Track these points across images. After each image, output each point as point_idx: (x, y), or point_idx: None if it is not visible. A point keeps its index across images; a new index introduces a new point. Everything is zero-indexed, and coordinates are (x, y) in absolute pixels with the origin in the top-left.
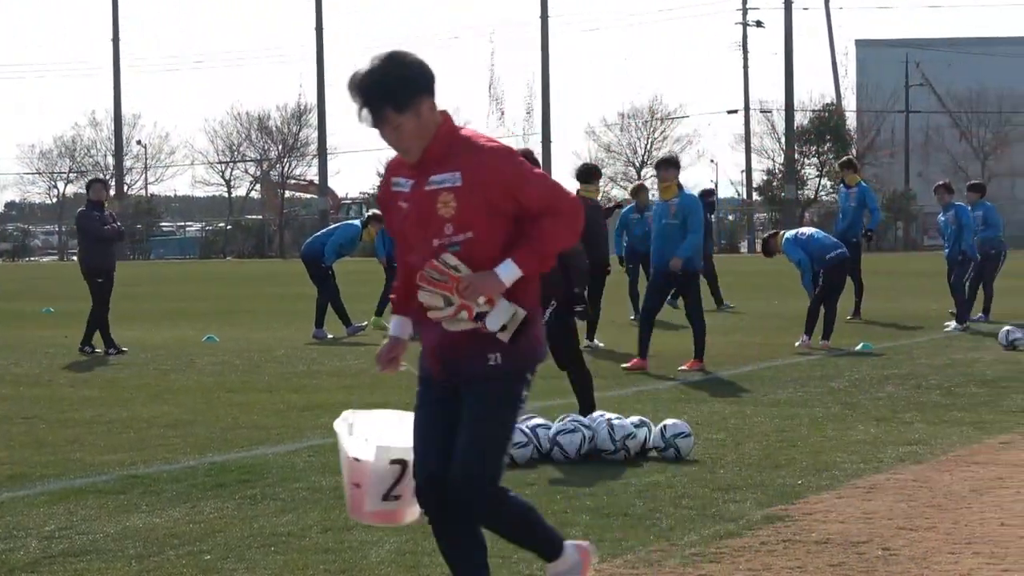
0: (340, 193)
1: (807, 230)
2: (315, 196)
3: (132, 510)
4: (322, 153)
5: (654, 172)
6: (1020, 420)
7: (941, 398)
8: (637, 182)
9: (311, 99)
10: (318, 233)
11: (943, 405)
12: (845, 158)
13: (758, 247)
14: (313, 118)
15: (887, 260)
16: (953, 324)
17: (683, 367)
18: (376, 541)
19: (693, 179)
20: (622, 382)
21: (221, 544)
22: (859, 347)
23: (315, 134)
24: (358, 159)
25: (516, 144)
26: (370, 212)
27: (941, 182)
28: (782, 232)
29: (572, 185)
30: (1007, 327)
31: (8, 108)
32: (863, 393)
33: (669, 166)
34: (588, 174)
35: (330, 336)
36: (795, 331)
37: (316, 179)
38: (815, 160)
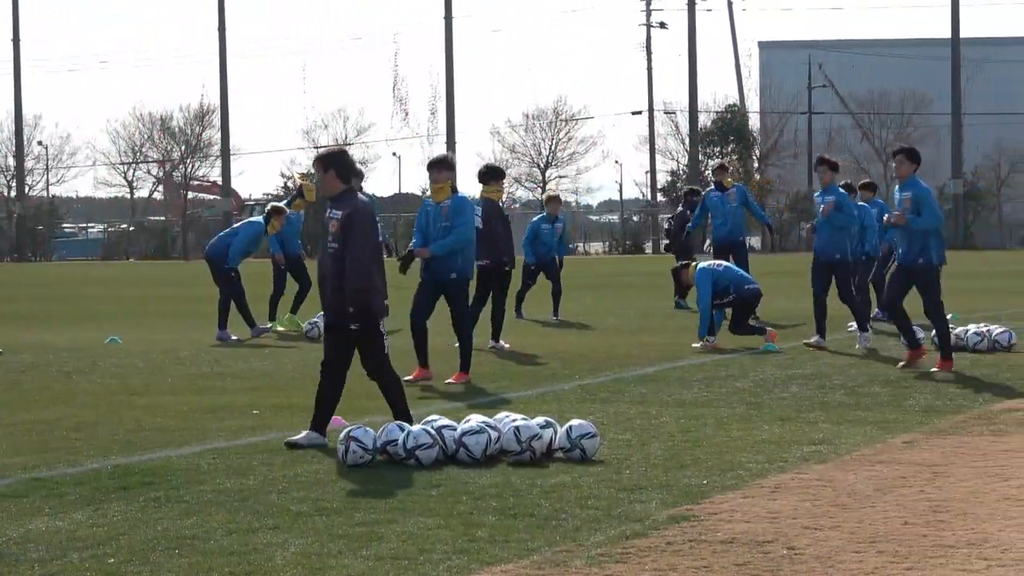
0: (243, 194)
1: (723, 263)
2: (218, 197)
3: (35, 514)
4: (225, 154)
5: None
6: (923, 419)
7: (845, 398)
8: (552, 192)
9: (214, 100)
10: (221, 233)
11: (847, 405)
12: (718, 162)
13: (663, 247)
14: (216, 119)
15: (790, 260)
16: (854, 325)
17: (408, 378)
18: (281, 543)
19: (598, 180)
20: (528, 384)
21: (125, 547)
22: (763, 347)
23: (218, 135)
24: (261, 160)
25: (421, 145)
26: (270, 206)
27: (844, 181)
28: (693, 264)
29: (476, 186)
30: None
31: None
32: (768, 393)
33: (442, 167)
34: (490, 175)
35: (234, 338)
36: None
37: (219, 180)
38: (718, 161)
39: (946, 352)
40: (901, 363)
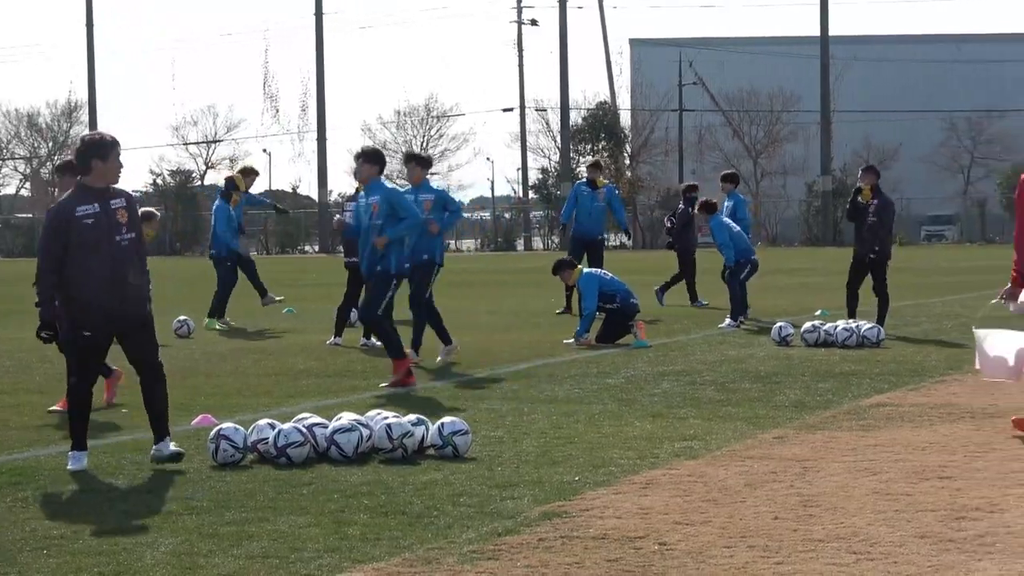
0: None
1: (608, 273)
2: None
3: None
4: None
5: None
6: (792, 415)
7: (715, 394)
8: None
9: (82, 96)
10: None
11: (717, 401)
12: (594, 159)
13: (535, 245)
14: (84, 115)
15: (662, 257)
16: (727, 321)
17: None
18: (151, 543)
19: (469, 177)
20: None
21: None
22: (634, 344)
23: (87, 131)
24: (130, 156)
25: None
26: (224, 180)
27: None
28: (581, 267)
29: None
30: (780, 323)
31: None
32: (639, 390)
33: (369, 160)
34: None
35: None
36: (572, 329)
37: None
38: (590, 158)
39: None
40: None
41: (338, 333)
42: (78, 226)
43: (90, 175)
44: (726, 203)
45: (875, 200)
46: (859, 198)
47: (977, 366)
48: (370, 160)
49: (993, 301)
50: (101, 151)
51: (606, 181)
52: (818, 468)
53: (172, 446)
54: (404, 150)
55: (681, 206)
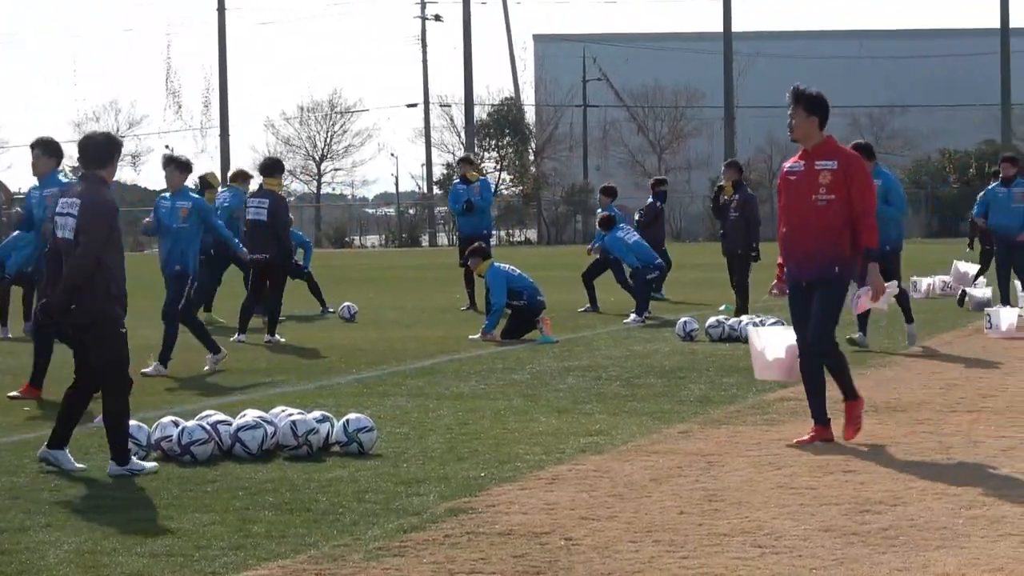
0: (13, 188)
1: (516, 269)
2: None
3: None
4: None
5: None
6: (697, 410)
7: (621, 389)
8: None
9: None
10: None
11: (623, 396)
12: (465, 155)
13: (439, 241)
14: None
15: (567, 253)
16: (632, 316)
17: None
18: (54, 541)
19: (373, 173)
20: (304, 378)
21: None
22: (540, 339)
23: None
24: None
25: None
26: (199, 179)
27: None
28: (491, 260)
29: (256, 179)
30: (684, 318)
31: None
32: (545, 385)
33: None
34: (272, 167)
35: (9, 335)
36: (477, 325)
37: None
38: (495, 154)
39: None
40: None
41: (242, 330)
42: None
43: (106, 170)
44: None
45: (736, 196)
46: (721, 195)
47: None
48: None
49: (765, 297)
50: (117, 150)
51: (477, 175)
52: (723, 463)
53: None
54: (307, 146)
55: (650, 200)
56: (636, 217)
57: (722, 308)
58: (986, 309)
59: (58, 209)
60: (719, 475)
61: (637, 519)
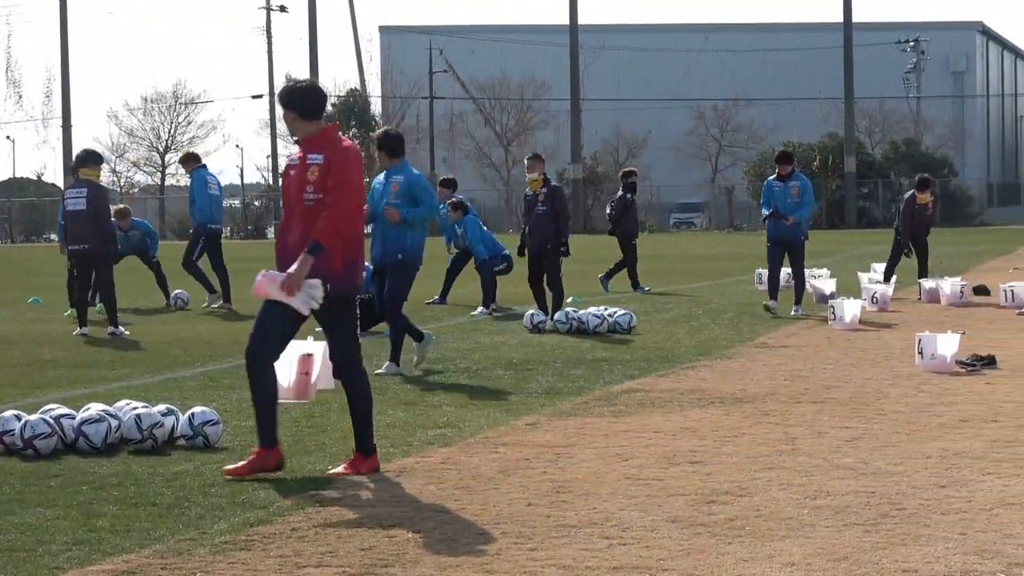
0: None
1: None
2: None
3: None
4: None
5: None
6: (544, 402)
7: (468, 381)
8: None
9: None
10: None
11: (470, 388)
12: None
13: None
14: None
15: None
16: (480, 309)
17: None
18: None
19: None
20: (149, 370)
21: None
22: (387, 332)
23: None
24: None
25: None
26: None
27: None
28: None
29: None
30: (531, 311)
31: None
32: (391, 378)
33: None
34: (87, 159)
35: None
36: None
37: None
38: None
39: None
40: None
41: (82, 323)
42: None
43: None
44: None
45: (544, 189)
46: (527, 190)
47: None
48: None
49: None
50: None
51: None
52: (570, 454)
53: None
54: (151, 138)
55: (620, 192)
56: (608, 210)
57: (570, 300)
58: (830, 301)
59: None
60: (567, 467)
61: (485, 511)
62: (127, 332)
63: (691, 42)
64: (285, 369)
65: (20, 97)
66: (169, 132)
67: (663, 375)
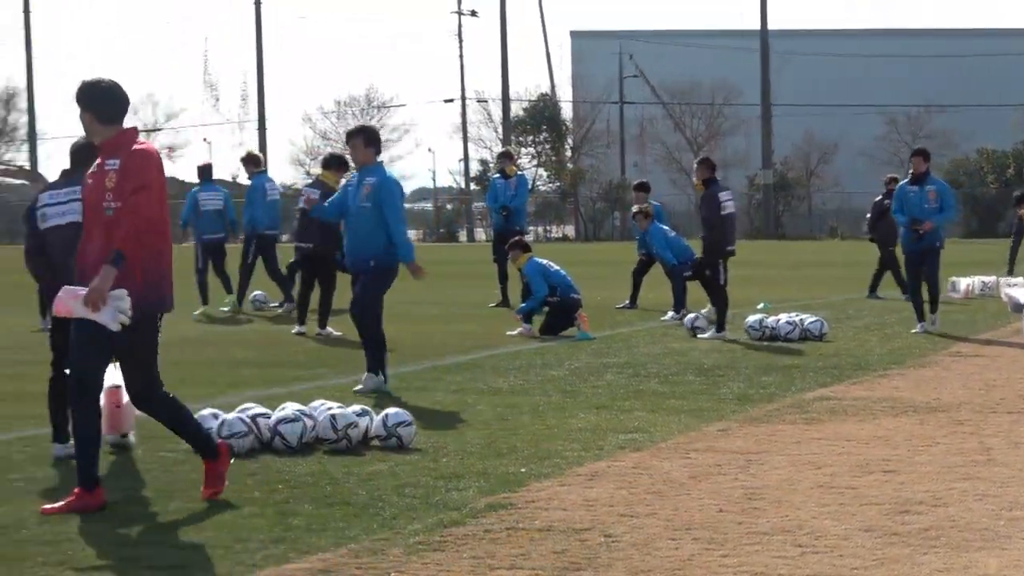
0: (50, 179)
1: (555, 265)
2: (25, 182)
3: None
4: (32, 138)
5: None
6: (735, 408)
7: (659, 386)
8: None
9: (20, 83)
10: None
11: (661, 393)
12: (504, 149)
13: (478, 236)
14: (22, 102)
15: (604, 249)
16: (670, 314)
17: None
18: (95, 533)
19: (411, 168)
20: (344, 371)
21: None
22: (578, 336)
23: (25, 118)
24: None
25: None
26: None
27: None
28: (532, 253)
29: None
30: (692, 314)
31: None
32: (583, 381)
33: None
34: (330, 161)
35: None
36: (512, 321)
37: (26, 164)
38: (531, 150)
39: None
40: None
41: (301, 320)
42: None
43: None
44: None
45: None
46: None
47: None
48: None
49: None
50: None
51: (516, 170)
52: (762, 461)
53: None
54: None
55: (879, 197)
56: (868, 215)
57: (760, 306)
58: None
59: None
60: (758, 473)
61: (676, 516)
62: (338, 333)
63: (884, 47)
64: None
65: (217, 100)
66: None
67: (855, 383)
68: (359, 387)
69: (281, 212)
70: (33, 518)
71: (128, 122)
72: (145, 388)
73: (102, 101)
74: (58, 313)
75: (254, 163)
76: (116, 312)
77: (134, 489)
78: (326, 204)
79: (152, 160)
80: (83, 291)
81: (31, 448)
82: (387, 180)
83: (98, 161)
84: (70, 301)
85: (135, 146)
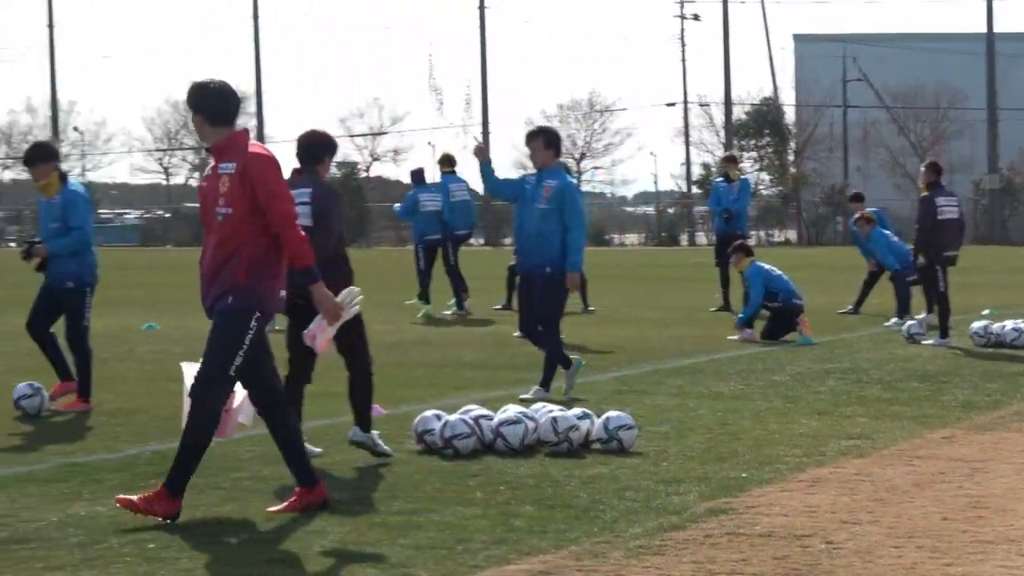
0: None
1: (778, 270)
2: None
3: (74, 498)
4: (260, 141)
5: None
6: (960, 415)
7: (882, 392)
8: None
9: (249, 87)
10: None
11: (884, 399)
12: (728, 153)
13: (699, 240)
14: (251, 106)
15: (826, 254)
16: (894, 319)
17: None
18: (319, 531)
19: (633, 171)
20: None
21: (164, 533)
22: (800, 340)
23: (253, 122)
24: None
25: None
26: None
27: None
28: (754, 257)
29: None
30: (909, 322)
31: None
32: (805, 387)
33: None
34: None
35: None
36: (733, 326)
37: None
38: (753, 154)
39: None
40: None
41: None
42: None
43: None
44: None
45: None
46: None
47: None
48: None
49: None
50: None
51: (739, 174)
52: (987, 469)
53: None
54: (567, 144)
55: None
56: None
57: (986, 312)
58: None
59: None
60: (983, 481)
61: (899, 524)
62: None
63: None
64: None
65: (441, 104)
66: (584, 139)
67: None
68: (525, 395)
69: (474, 212)
70: (259, 516)
71: (355, 126)
72: (204, 381)
73: (213, 102)
74: (321, 353)
75: (446, 163)
76: (350, 307)
77: (358, 489)
78: (501, 179)
79: (272, 165)
80: (320, 322)
81: (259, 447)
82: (569, 184)
83: (211, 164)
84: (322, 336)
85: (250, 150)
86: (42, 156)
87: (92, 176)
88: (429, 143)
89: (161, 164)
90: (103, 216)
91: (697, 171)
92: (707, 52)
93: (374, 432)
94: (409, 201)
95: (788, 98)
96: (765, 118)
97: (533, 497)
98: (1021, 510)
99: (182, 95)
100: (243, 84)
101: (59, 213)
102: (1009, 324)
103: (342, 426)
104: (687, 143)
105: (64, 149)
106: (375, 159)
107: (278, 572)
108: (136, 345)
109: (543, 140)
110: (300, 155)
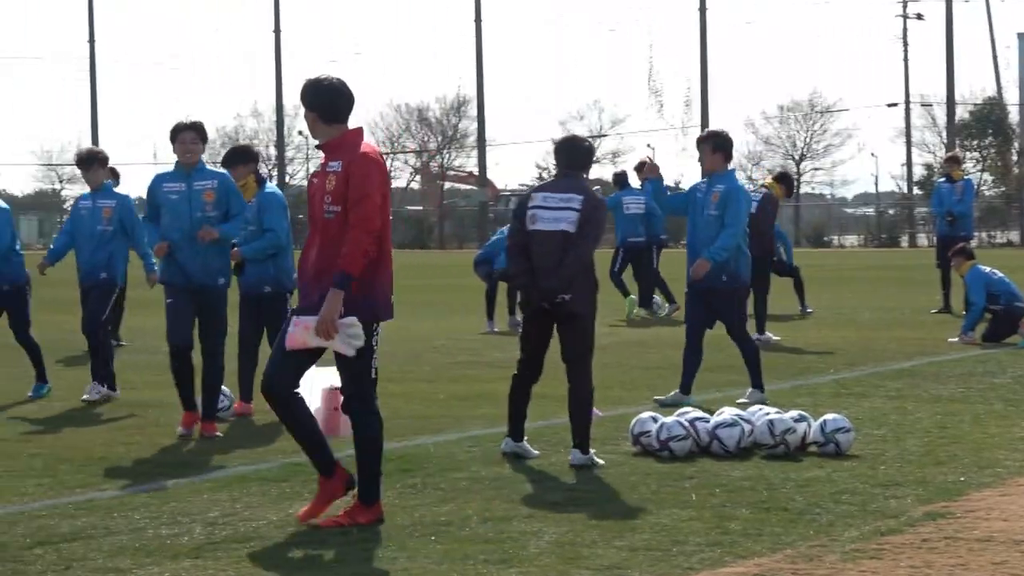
0: (499, 184)
1: (999, 273)
2: (475, 187)
3: (294, 498)
4: (481, 144)
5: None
6: None
7: None
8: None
9: (470, 91)
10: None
11: None
12: (951, 153)
13: (919, 241)
14: (472, 109)
15: None
16: None
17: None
18: (536, 532)
19: (853, 173)
20: (781, 376)
21: (382, 532)
22: (1022, 344)
23: (474, 126)
24: (517, 151)
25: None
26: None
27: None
28: (975, 261)
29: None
30: None
31: (171, 99)
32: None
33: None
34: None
35: (495, 329)
36: (956, 327)
37: (475, 170)
38: (976, 155)
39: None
40: None
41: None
42: None
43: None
44: None
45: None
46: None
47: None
48: None
49: None
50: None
51: (962, 174)
52: None
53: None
54: (787, 146)
55: None
56: None
57: None
58: None
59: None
60: None
61: None
62: (776, 337)
63: None
64: (311, 403)
65: (661, 106)
66: (805, 141)
67: None
68: (742, 400)
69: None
70: (476, 517)
71: (574, 128)
72: (355, 396)
73: (326, 100)
74: (291, 347)
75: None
76: (348, 338)
77: (573, 490)
78: (670, 195)
79: (376, 166)
80: (313, 320)
81: (477, 448)
82: (736, 189)
83: (322, 161)
84: (302, 333)
85: (359, 149)
86: (241, 158)
87: None
88: (648, 145)
89: None
90: None
91: (918, 172)
92: (929, 51)
93: (592, 452)
94: (611, 203)
95: (1012, 97)
96: (988, 118)
97: (748, 500)
98: None
99: (405, 99)
100: (465, 87)
101: (254, 216)
102: None
103: (559, 428)
104: (908, 143)
105: (288, 153)
106: (595, 161)
107: (494, 572)
108: None
109: (711, 145)
110: (565, 161)
